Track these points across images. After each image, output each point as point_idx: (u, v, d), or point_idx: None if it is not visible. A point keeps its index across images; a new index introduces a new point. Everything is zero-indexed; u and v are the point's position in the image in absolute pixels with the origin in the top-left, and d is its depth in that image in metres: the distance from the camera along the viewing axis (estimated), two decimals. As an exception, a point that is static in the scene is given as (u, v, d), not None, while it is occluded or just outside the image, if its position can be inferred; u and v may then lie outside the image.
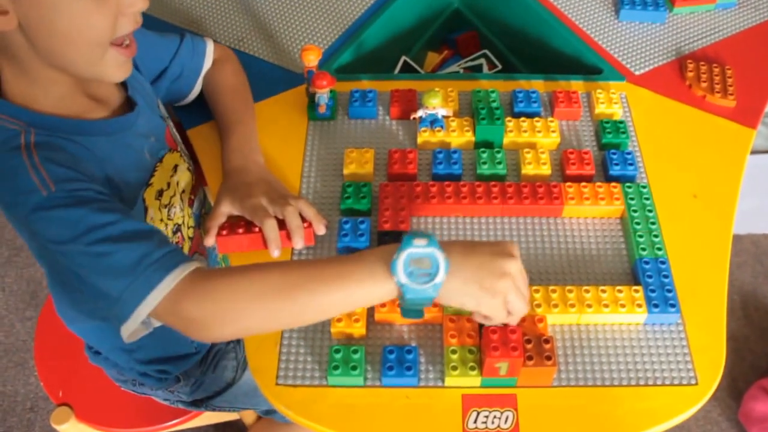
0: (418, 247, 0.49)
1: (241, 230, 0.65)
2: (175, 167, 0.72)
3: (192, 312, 0.52)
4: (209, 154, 0.76)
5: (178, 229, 0.73)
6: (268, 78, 0.84)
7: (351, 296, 0.52)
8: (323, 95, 0.76)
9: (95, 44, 0.55)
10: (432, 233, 0.53)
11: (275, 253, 0.64)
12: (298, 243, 0.64)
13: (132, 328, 0.54)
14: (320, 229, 0.66)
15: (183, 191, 0.74)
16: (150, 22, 0.92)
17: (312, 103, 0.78)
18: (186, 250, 0.75)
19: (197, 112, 0.79)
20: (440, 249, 0.50)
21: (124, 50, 0.57)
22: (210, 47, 0.78)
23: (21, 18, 0.52)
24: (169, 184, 0.70)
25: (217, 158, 0.74)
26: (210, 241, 0.67)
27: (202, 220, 0.80)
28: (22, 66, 0.56)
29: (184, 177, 0.74)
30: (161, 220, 0.69)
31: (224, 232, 0.66)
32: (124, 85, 0.67)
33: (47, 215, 0.52)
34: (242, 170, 0.70)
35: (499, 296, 0.52)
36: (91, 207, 0.53)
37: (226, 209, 0.67)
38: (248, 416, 1.04)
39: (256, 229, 0.65)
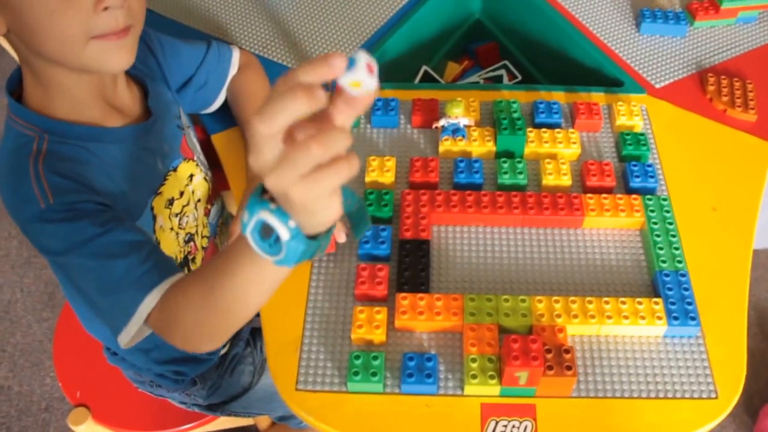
0: (251, 225, 0.41)
1: None
2: (191, 176, 0.72)
3: (168, 333, 0.54)
4: (233, 159, 0.77)
5: (190, 238, 0.73)
6: (291, 85, 0.85)
7: (250, 280, 0.47)
8: (346, 103, 0.77)
9: (70, 41, 0.54)
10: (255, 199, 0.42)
11: (341, 239, 0.66)
12: (340, 237, 0.66)
13: (126, 339, 0.55)
14: (340, 237, 0.67)
15: (198, 200, 0.74)
16: (177, 28, 0.93)
17: (334, 111, 0.79)
18: (199, 260, 0.75)
19: (221, 117, 0.80)
20: (264, 208, 0.41)
21: (110, 37, 0.55)
22: (236, 55, 0.78)
23: (8, 23, 0.54)
24: (182, 193, 0.70)
25: (241, 164, 0.75)
26: None
27: (219, 230, 0.81)
28: (33, 69, 0.57)
29: (200, 186, 0.74)
30: (171, 228, 0.69)
31: None
32: (144, 93, 0.67)
33: (41, 227, 0.54)
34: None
35: (296, 198, 0.39)
36: (86, 221, 0.54)
37: None
38: (263, 422, 1.04)
39: None
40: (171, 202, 0.68)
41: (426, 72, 0.99)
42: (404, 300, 0.63)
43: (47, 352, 1.26)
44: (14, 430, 1.17)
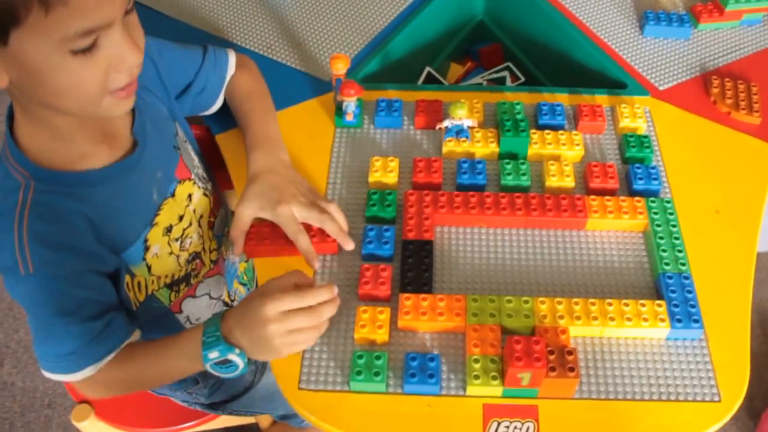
0: (214, 360, 0.58)
1: (268, 240, 0.66)
2: (190, 196, 0.71)
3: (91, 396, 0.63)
4: (237, 159, 0.77)
5: (195, 257, 0.72)
6: (296, 85, 0.85)
7: (183, 374, 0.63)
8: (350, 103, 0.77)
9: (88, 99, 0.53)
10: (219, 336, 0.58)
11: (316, 266, 0.66)
12: (349, 245, 0.67)
13: (50, 376, 0.61)
14: (349, 245, 0.67)
15: (201, 216, 0.73)
16: (179, 28, 0.94)
17: (339, 111, 0.79)
18: (203, 274, 0.75)
19: (225, 117, 0.80)
20: (230, 350, 0.58)
21: (119, 93, 0.55)
22: (232, 59, 0.78)
23: (11, 76, 0.51)
24: (181, 217, 0.69)
25: (244, 163, 0.75)
26: (238, 251, 0.67)
27: (225, 239, 0.80)
28: (27, 111, 0.56)
29: (200, 203, 0.73)
30: (170, 253, 0.68)
31: (252, 241, 0.66)
32: (132, 115, 0.64)
33: (18, 287, 0.57)
34: (269, 171, 0.69)
35: (276, 339, 0.57)
36: (52, 301, 0.57)
37: (252, 213, 0.67)
38: (264, 420, 1.05)
39: (281, 234, 0.66)
40: (169, 229, 0.67)
41: (429, 73, 0.99)
42: (407, 300, 0.63)
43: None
44: (17, 426, 1.18)
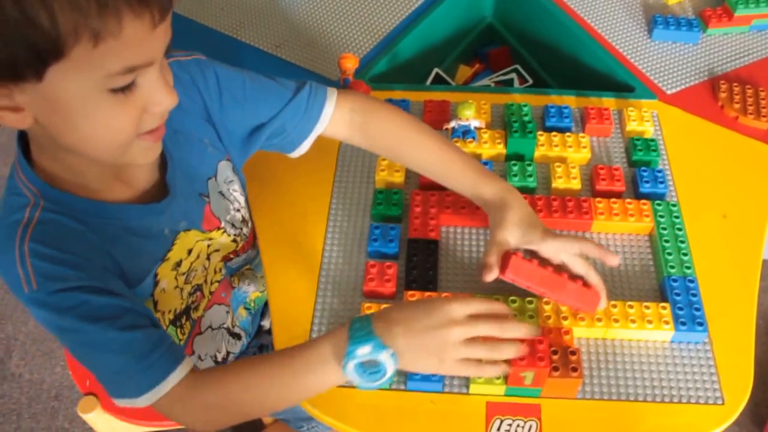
0: (362, 357, 0.53)
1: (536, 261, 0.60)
2: (210, 239, 0.65)
3: (182, 419, 0.57)
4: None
5: (196, 289, 0.66)
6: (304, 84, 0.86)
7: (311, 389, 0.56)
8: (358, 103, 0.78)
9: (118, 143, 0.50)
10: (372, 331, 0.53)
11: (603, 305, 0.61)
12: (604, 302, 0.61)
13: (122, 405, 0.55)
14: (603, 301, 0.61)
15: (215, 251, 0.67)
16: (192, 26, 0.95)
17: (347, 111, 0.80)
18: (202, 306, 0.68)
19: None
20: (383, 349, 0.53)
21: (148, 136, 0.52)
22: (329, 107, 0.66)
23: (38, 116, 0.47)
24: (190, 251, 0.63)
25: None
26: (491, 277, 0.59)
27: (240, 272, 0.74)
28: (43, 146, 0.53)
29: (222, 244, 0.67)
30: (176, 287, 0.62)
31: (513, 257, 0.59)
32: (162, 163, 0.60)
33: (35, 310, 0.52)
34: (517, 203, 0.62)
35: (452, 346, 0.54)
36: (73, 313, 0.51)
37: (515, 242, 0.61)
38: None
39: (550, 269, 0.60)
40: (179, 263, 0.62)
41: (437, 74, 0.99)
42: (412, 298, 0.63)
43: (58, 342, 1.27)
44: (24, 417, 1.19)
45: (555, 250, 0.61)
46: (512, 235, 0.61)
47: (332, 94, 0.66)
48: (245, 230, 0.71)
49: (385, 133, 0.67)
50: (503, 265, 0.59)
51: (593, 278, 0.61)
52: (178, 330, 0.66)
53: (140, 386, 0.53)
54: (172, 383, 0.54)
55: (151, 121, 0.51)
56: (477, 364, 0.56)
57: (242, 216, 0.70)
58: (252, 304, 0.79)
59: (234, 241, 0.69)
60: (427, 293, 0.64)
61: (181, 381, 0.54)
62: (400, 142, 0.67)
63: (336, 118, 0.67)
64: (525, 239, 0.61)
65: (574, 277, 0.61)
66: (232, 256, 0.70)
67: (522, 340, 0.57)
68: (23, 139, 0.54)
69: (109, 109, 0.47)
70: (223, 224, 0.66)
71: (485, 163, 0.74)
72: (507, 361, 0.57)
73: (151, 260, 0.59)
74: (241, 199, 0.70)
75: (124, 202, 0.57)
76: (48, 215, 0.52)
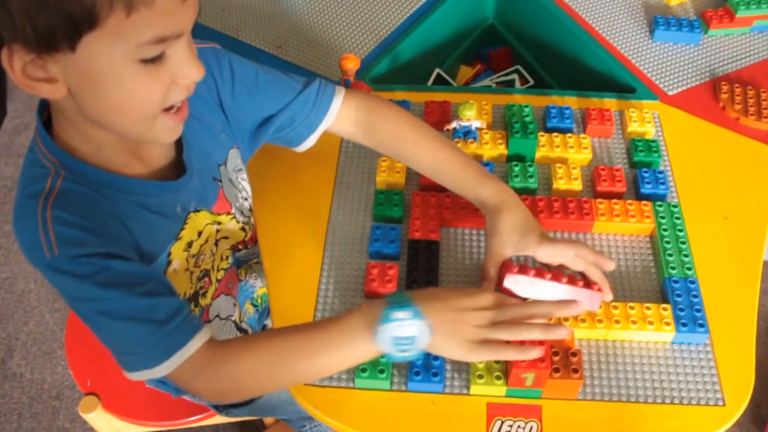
0: (399, 322, 0.53)
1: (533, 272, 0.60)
2: (219, 223, 0.65)
3: (200, 388, 0.56)
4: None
5: (205, 274, 0.66)
6: (306, 85, 0.86)
7: (339, 362, 0.56)
8: (359, 104, 0.78)
9: (146, 115, 0.51)
10: (410, 299, 0.54)
11: (609, 298, 0.62)
12: (608, 295, 0.62)
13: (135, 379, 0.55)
14: (608, 295, 0.62)
15: (224, 237, 0.67)
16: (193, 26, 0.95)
17: (348, 111, 0.80)
18: (210, 294, 0.69)
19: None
20: (421, 318, 0.53)
21: (173, 116, 0.53)
22: (336, 102, 0.67)
23: (71, 86, 0.48)
24: (200, 233, 0.63)
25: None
26: (492, 286, 0.61)
27: (248, 265, 0.75)
28: (69, 119, 0.54)
29: (231, 232, 0.68)
30: (186, 269, 0.63)
31: (515, 270, 0.59)
32: (178, 144, 0.61)
33: (54, 277, 0.52)
34: (513, 207, 0.63)
35: (476, 328, 0.55)
36: (93, 280, 0.51)
37: (509, 251, 0.62)
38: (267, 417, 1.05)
39: (548, 276, 0.60)
40: (190, 244, 0.62)
41: (439, 75, 0.99)
42: (413, 299, 0.63)
43: (59, 342, 1.27)
44: (25, 417, 1.19)
45: (551, 255, 0.62)
46: (508, 243, 0.62)
47: (340, 91, 0.68)
48: (252, 220, 0.71)
49: (388, 132, 0.68)
50: (500, 278, 0.60)
51: (593, 274, 0.61)
52: None
53: (160, 354, 0.53)
54: (193, 349, 0.53)
55: (178, 93, 0.52)
56: (510, 332, 0.56)
57: (249, 205, 0.71)
58: (259, 300, 0.79)
59: (242, 229, 0.69)
60: (428, 294, 0.64)
61: (201, 348, 0.54)
62: (401, 140, 0.68)
63: (342, 114, 0.68)
64: (520, 246, 0.62)
65: (574, 277, 0.61)
66: (240, 246, 0.71)
67: (542, 343, 0.57)
68: (43, 114, 0.56)
69: (139, 80, 0.48)
70: (233, 210, 0.67)
71: (486, 164, 0.74)
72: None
73: (165, 238, 0.60)
74: (249, 189, 0.70)
75: (139, 176, 0.58)
76: (69, 185, 0.53)
